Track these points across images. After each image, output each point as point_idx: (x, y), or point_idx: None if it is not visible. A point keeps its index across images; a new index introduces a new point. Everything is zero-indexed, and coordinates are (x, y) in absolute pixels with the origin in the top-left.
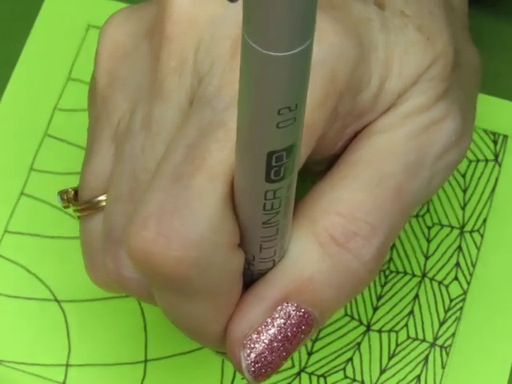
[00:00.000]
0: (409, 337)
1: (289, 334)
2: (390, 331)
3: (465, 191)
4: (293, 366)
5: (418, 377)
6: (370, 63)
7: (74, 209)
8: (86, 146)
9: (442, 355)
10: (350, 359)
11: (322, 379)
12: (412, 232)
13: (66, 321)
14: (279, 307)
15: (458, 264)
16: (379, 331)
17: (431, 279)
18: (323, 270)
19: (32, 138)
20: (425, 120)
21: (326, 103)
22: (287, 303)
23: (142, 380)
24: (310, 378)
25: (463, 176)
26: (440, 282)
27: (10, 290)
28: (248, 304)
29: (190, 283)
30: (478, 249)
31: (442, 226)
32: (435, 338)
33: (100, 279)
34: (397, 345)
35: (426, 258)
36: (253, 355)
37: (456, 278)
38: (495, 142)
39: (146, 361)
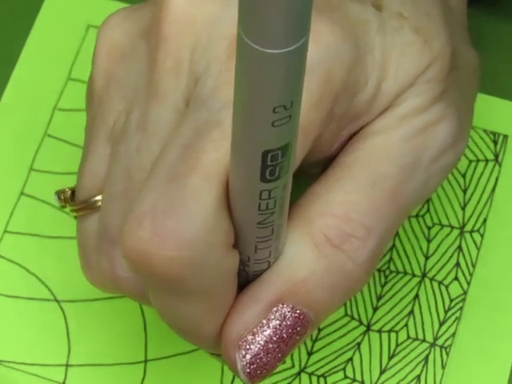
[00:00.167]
0: (409, 337)
1: (284, 335)
2: (390, 331)
3: (465, 191)
4: (293, 365)
5: (418, 377)
6: (367, 65)
7: (71, 209)
8: (83, 145)
9: (442, 355)
10: (350, 359)
11: (322, 379)
12: (412, 232)
13: (65, 321)
14: (274, 308)
15: (458, 264)
16: (379, 331)
17: (431, 279)
18: (318, 271)
19: (32, 138)
20: (421, 122)
21: (321, 104)
22: (282, 304)
23: (142, 380)
24: (309, 378)
25: (463, 176)
26: (440, 282)
27: (9, 290)
28: (243, 305)
29: (185, 283)
30: (478, 249)
31: (442, 225)
32: (435, 338)
33: (95, 279)
34: (397, 345)
35: (426, 258)
36: (248, 356)
37: (456, 278)
38: (495, 142)
39: (145, 361)
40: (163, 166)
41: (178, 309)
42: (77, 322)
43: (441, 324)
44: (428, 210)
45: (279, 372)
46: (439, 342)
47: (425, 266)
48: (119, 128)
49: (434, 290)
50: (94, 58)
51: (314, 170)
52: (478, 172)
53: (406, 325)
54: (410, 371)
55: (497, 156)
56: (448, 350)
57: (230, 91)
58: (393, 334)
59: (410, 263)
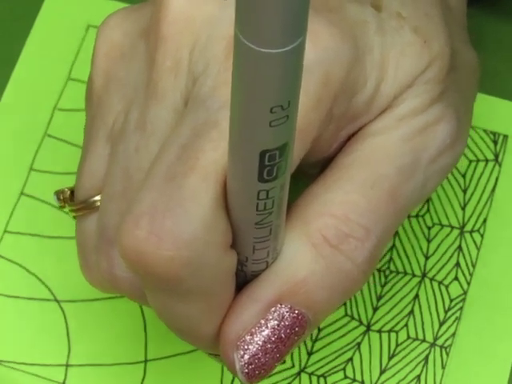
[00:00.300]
0: (409, 337)
1: (282, 335)
2: (390, 331)
3: (465, 191)
4: (293, 366)
5: (418, 377)
6: (366, 66)
7: (70, 209)
8: (82, 145)
9: (442, 355)
10: (350, 359)
11: (322, 379)
12: (412, 232)
13: (65, 321)
14: (273, 309)
15: (458, 264)
16: (379, 331)
17: (431, 279)
18: (316, 272)
19: (32, 138)
20: (420, 122)
21: (320, 105)
22: (281, 305)
23: (142, 380)
24: (309, 378)
25: (463, 176)
26: (440, 282)
27: (9, 290)
28: (241, 305)
29: (182, 283)
30: (478, 249)
31: (442, 225)
32: (435, 338)
33: (94, 279)
34: (397, 345)
35: (426, 258)
36: (246, 356)
37: (456, 278)
38: (495, 142)
39: (145, 361)
40: (161, 166)
41: (175, 309)
42: (77, 322)
43: (441, 324)
44: (428, 210)
45: (279, 372)
46: (439, 342)
47: (425, 265)
48: (118, 128)
49: (433, 290)
50: (93, 58)
51: (313, 171)
52: (478, 172)
53: (406, 325)
54: (410, 371)
55: (497, 156)
56: (448, 349)
57: (229, 91)
58: (393, 334)
59: (410, 263)
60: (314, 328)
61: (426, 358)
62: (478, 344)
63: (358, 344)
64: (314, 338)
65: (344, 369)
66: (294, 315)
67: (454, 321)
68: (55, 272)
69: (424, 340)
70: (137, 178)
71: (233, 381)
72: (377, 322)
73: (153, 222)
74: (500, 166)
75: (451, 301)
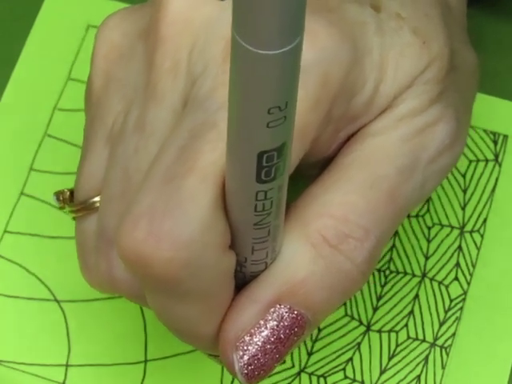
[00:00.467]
0: (409, 337)
1: (282, 336)
2: (390, 331)
3: (465, 191)
4: (293, 366)
5: (418, 377)
6: (365, 67)
7: (70, 210)
8: (82, 146)
9: (442, 355)
10: (350, 359)
11: (322, 379)
12: (412, 232)
13: (65, 321)
14: (272, 309)
15: (458, 264)
16: (379, 331)
17: (431, 279)
18: (316, 272)
19: (32, 138)
20: (419, 123)
21: (319, 106)
22: (280, 305)
23: (142, 380)
24: (309, 378)
25: (463, 176)
26: (440, 282)
27: (9, 290)
28: (240, 306)
29: (181, 284)
30: (478, 249)
31: (442, 225)
32: (435, 338)
33: (94, 280)
34: (397, 345)
35: (426, 258)
36: (246, 357)
37: (456, 278)
38: (495, 142)
39: (146, 361)
40: (160, 167)
41: (174, 310)
42: (77, 322)
43: (441, 324)
44: (428, 210)
45: (279, 372)
46: (439, 342)
47: (425, 266)
48: (117, 129)
49: (433, 290)
50: (92, 59)
51: (312, 172)
52: (478, 172)
53: (406, 325)
54: (410, 371)
55: (497, 156)
56: (448, 350)
57: (227, 92)
58: (393, 334)
59: (410, 263)
60: (314, 328)
61: (426, 358)
62: (478, 344)
63: (358, 344)
64: (314, 338)
65: (344, 369)
66: (294, 316)
67: (454, 321)
68: (55, 272)
69: (424, 340)
70: (136, 178)
71: (233, 381)
72: (377, 322)
73: (152, 223)
74: (500, 166)
75: (451, 301)
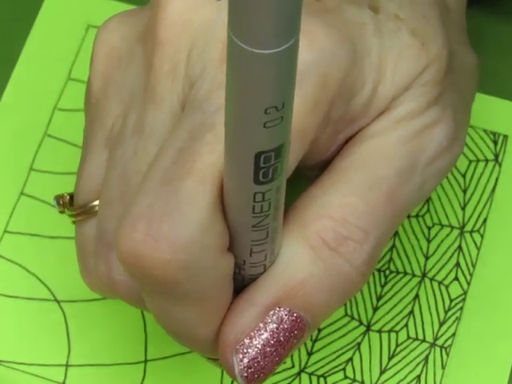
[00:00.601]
0: (409, 337)
1: (281, 338)
2: (390, 331)
3: (465, 191)
4: (293, 366)
5: (418, 377)
6: (364, 68)
7: (70, 213)
8: (82, 149)
9: (442, 355)
10: (350, 359)
11: (322, 379)
12: (412, 232)
13: (65, 321)
14: (271, 312)
15: (458, 264)
16: (379, 331)
17: (431, 279)
18: (315, 274)
19: (32, 138)
20: (417, 125)
21: (317, 107)
22: (279, 308)
23: (142, 380)
24: (309, 378)
25: (463, 176)
26: (440, 282)
27: (9, 290)
28: (240, 309)
29: (179, 286)
30: (478, 249)
31: (442, 225)
32: (435, 338)
33: (93, 283)
34: (397, 345)
35: (426, 258)
36: (246, 360)
37: (456, 278)
38: (495, 142)
39: (145, 361)
40: (158, 170)
41: (173, 312)
42: (77, 322)
43: (441, 324)
44: (428, 210)
45: (279, 372)
46: (439, 342)
47: (425, 265)
48: (116, 132)
49: (434, 290)
50: (91, 62)
51: (311, 173)
52: (478, 172)
53: (406, 325)
54: (410, 371)
55: (497, 156)
56: (448, 350)
57: None
58: (393, 334)
59: (410, 263)
60: (313, 331)
61: (426, 358)
62: (478, 344)
63: (358, 344)
64: (313, 338)
65: (344, 369)
66: (293, 318)
67: (454, 321)
68: (55, 272)
69: (424, 340)
70: (135, 181)
71: (233, 381)
72: (377, 322)
73: (150, 225)
74: (500, 166)
75: (451, 301)
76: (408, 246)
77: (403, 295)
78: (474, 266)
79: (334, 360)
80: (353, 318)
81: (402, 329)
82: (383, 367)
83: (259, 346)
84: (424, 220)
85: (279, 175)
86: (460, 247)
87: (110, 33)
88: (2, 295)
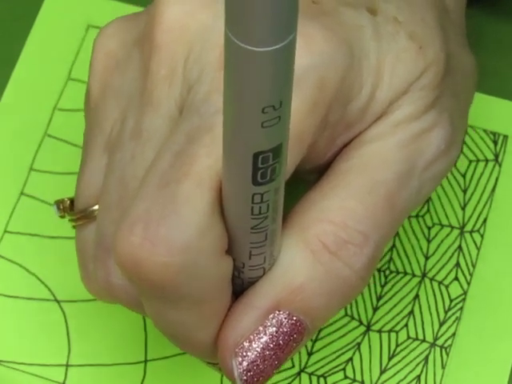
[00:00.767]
0: (409, 337)
1: (281, 342)
2: (390, 331)
3: (465, 191)
4: (293, 366)
5: (418, 377)
6: (362, 72)
7: (70, 218)
8: (81, 154)
9: (442, 355)
10: (350, 359)
11: (322, 379)
12: (412, 232)
13: (65, 321)
14: (271, 315)
15: (458, 264)
16: (379, 331)
17: (431, 279)
18: (315, 278)
19: (32, 138)
20: (415, 129)
21: (315, 111)
22: (279, 311)
23: (142, 380)
24: (309, 378)
25: (463, 176)
26: (440, 282)
27: (9, 290)
28: (239, 312)
29: (177, 290)
30: (478, 249)
31: (442, 226)
32: (435, 338)
33: (93, 288)
34: (397, 345)
35: (426, 258)
36: (245, 363)
37: (456, 278)
38: (495, 142)
39: (145, 361)
40: (156, 173)
41: (171, 316)
42: (77, 322)
43: (441, 324)
44: (428, 210)
45: (279, 372)
46: (439, 342)
47: (425, 266)
48: (115, 137)
49: (434, 290)
50: (90, 66)
51: (310, 177)
52: (478, 172)
53: (406, 325)
54: (410, 371)
55: (497, 156)
56: (448, 350)
57: None
58: (393, 334)
59: (410, 263)
60: (312, 334)
61: (426, 358)
62: (478, 344)
63: (358, 344)
64: (313, 338)
65: (344, 369)
66: (293, 322)
67: (454, 321)
68: (55, 272)
69: (424, 340)
70: (133, 185)
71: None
72: (377, 322)
73: (147, 228)
74: (500, 166)
75: (451, 301)
76: (408, 246)
77: (403, 295)
78: (473, 266)
79: (334, 360)
80: (353, 317)
81: (402, 329)
82: (383, 367)
83: (258, 350)
84: (424, 220)
85: (277, 176)
86: (460, 247)
87: (108, 38)
88: (2, 295)
